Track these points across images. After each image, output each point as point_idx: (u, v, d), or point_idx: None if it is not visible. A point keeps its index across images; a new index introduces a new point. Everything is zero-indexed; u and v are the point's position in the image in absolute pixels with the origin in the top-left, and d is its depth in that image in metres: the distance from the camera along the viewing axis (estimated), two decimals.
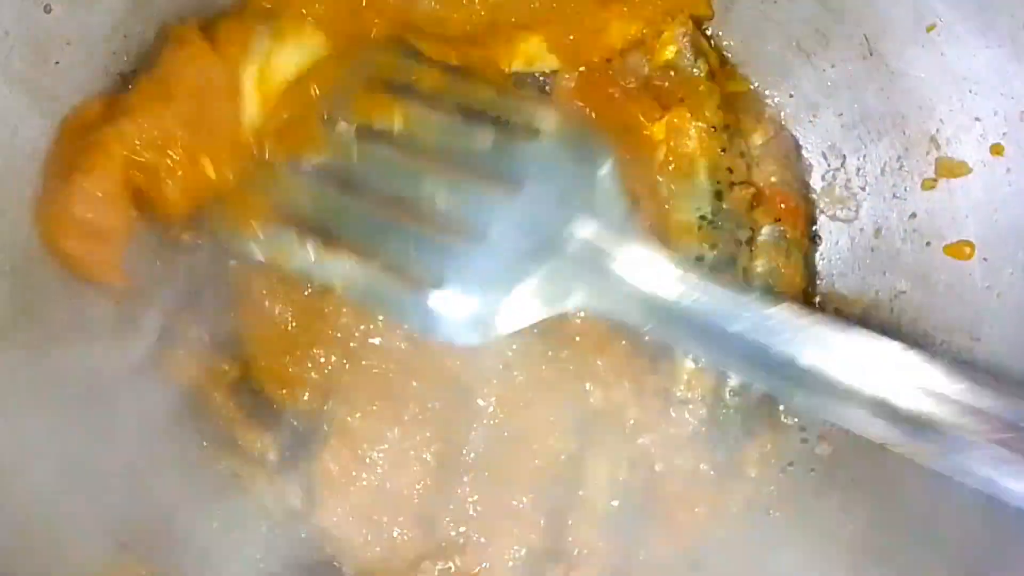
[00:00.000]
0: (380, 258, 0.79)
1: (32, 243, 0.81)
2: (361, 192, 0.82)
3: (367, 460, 0.86)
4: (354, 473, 0.86)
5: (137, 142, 0.81)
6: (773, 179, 0.94)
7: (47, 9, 0.80)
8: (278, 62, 0.86)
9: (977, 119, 0.83)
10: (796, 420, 0.93)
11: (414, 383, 0.87)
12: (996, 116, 0.83)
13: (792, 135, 0.96)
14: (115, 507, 0.81)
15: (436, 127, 0.83)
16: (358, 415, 0.87)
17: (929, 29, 0.84)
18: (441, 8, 0.91)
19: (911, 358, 0.70)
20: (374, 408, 0.87)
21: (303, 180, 0.83)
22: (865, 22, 0.89)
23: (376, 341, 0.87)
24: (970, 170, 0.85)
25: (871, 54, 0.89)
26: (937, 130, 0.86)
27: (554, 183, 0.79)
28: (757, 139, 0.95)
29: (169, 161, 0.82)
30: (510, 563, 0.84)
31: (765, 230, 0.93)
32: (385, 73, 0.86)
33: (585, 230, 0.77)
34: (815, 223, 0.96)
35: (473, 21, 0.91)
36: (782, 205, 0.94)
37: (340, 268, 0.80)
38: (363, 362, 0.87)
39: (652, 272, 0.75)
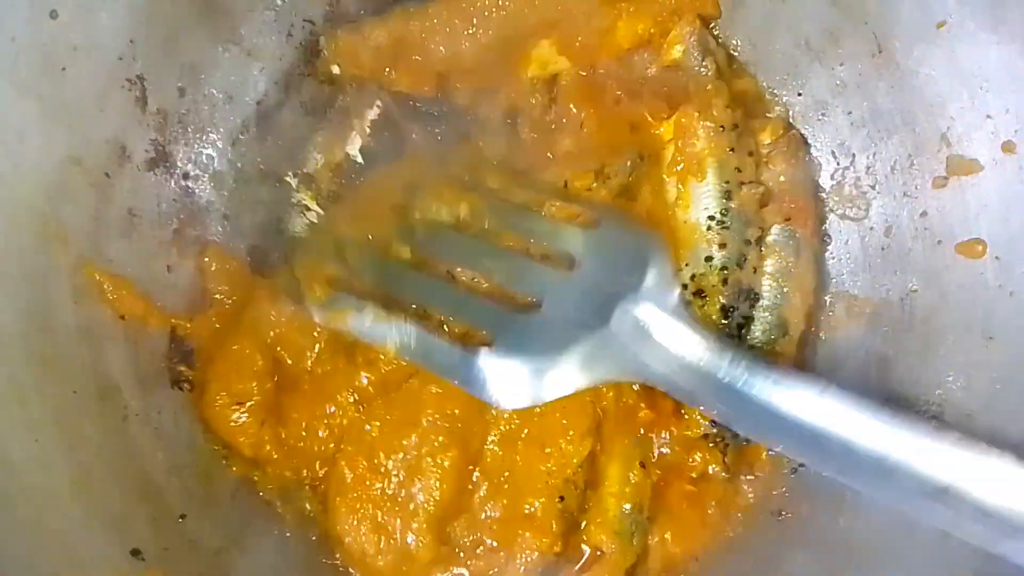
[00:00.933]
0: (434, 320, 0.86)
1: (40, 249, 0.81)
2: (422, 263, 0.89)
3: (382, 468, 0.86)
4: (368, 481, 0.86)
5: (284, 320, 0.91)
6: (782, 178, 0.94)
7: (53, 15, 0.79)
8: None
9: (988, 116, 0.83)
10: None
11: (433, 388, 0.87)
12: (1008, 113, 0.82)
13: (801, 134, 0.96)
14: (128, 514, 0.81)
15: (500, 213, 0.89)
16: (376, 423, 0.87)
17: (939, 26, 0.84)
18: (450, 45, 0.94)
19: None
20: (390, 416, 0.87)
21: (368, 250, 0.91)
22: (874, 20, 0.88)
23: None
24: (981, 168, 0.84)
25: (880, 52, 0.89)
26: (948, 128, 0.86)
27: (608, 265, 0.83)
28: (766, 138, 0.95)
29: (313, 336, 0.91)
30: (523, 568, 0.84)
31: (775, 229, 0.92)
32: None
33: (633, 307, 0.80)
34: (825, 222, 0.96)
35: (483, 44, 0.93)
36: (791, 204, 0.93)
37: (395, 330, 0.86)
38: (382, 370, 0.88)
39: (690, 347, 0.79)
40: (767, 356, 0.81)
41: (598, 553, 0.87)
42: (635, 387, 0.88)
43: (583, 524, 0.87)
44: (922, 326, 0.88)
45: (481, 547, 0.85)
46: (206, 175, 0.95)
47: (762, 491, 0.92)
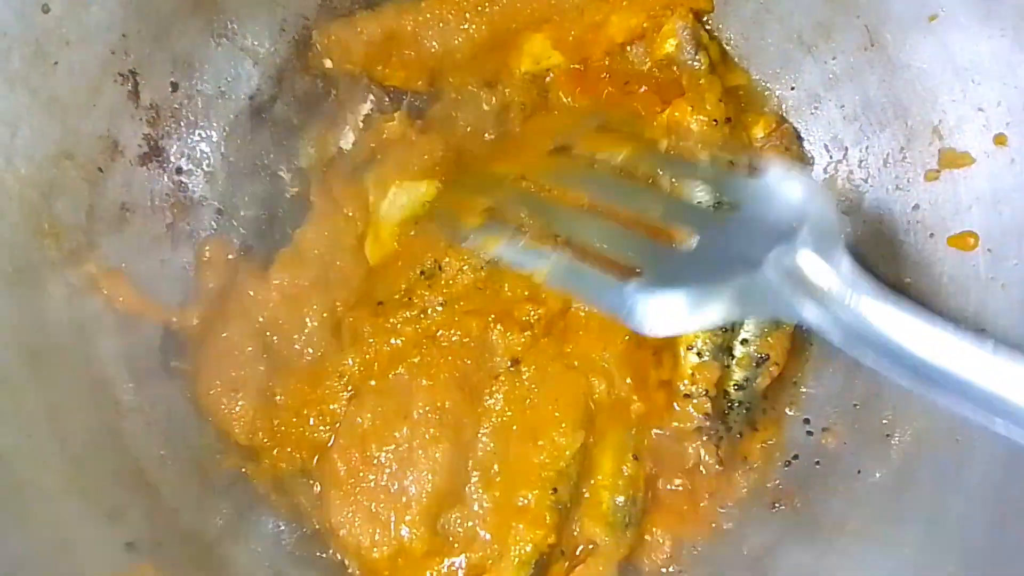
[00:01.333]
0: (588, 252, 0.83)
1: (33, 243, 0.81)
2: (576, 199, 0.87)
3: (375, 460, 0.85)
4: (362, 473, 0.85)
5: (273, 304, 0.91)
6: None
7: (45, 9, 0.79)
8: (390, 210, 0.94)
9: (980, 109, 0.83)
10: (800, 412, 0.93)
11: (424, 381, 0.86)
12: (999, 106, 0.82)
13: (794, 127, 0.96)
14: (121, 507, 0.81)
15: (659, 160, 0.89)
16: (368, 415, 0.86)
17: (931, 19, 0.84)
18: (442, 40, 0.95)
19: None
20: (381, 408, 0.87)
21: (523, 184, 0.89)
22: (866, 13, 0.88)
23: (389, 344, 0.88)
24: (973, 160, 0.84)
25: (872, 45, 0.89)
26: (940, 121, 0.86)
27: (767, 212, 0.80)
28: (758, 132, 0.95)
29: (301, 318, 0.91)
30: (516, 559, 0.84)
31: None
32: None
33: (789, 254, 0.76)
34: None
35: (475, 39, 0.94)
36: None
37: (547, 256, 0.84)
38: (375, 365, 0.88)
39: (843, 299, 0.74)
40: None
41: (591, 546, 0.87)
42: (628, 380, 0.88)
43: (576, 516, 0.87)
44: None
45: (475, 539, 0.85)
46: (199, 169, 0.96)
47: (756, 483, 0.92)
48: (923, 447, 0.84)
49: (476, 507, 0.86)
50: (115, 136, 0.88)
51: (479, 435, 0.86)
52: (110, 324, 0.87)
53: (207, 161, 0.96)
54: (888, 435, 0.87)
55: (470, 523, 0.86)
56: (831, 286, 0.74)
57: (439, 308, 0.88)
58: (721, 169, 0.89)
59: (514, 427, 0.86)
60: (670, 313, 0.78)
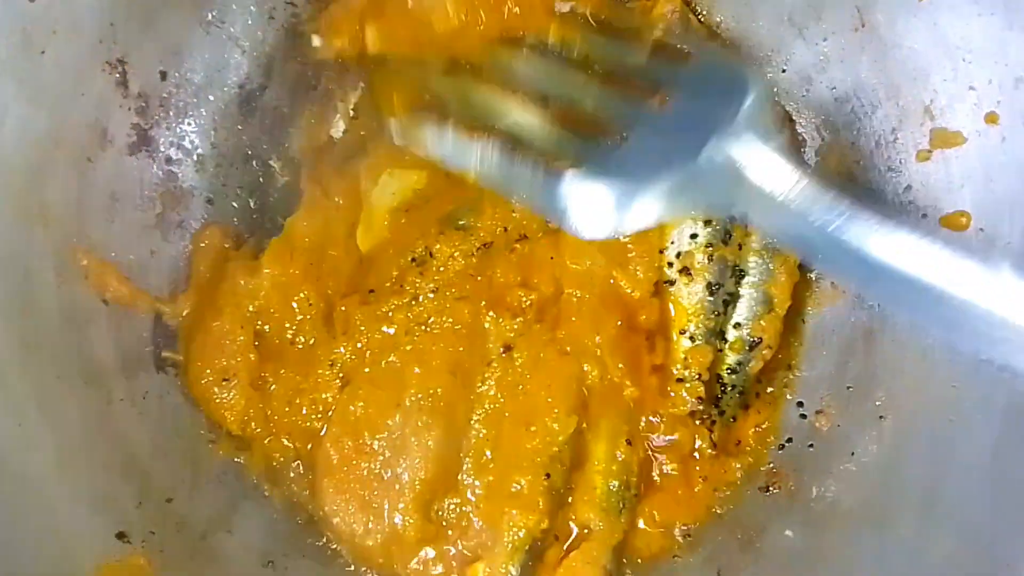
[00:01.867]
0: (520, 145, 0.81)
1: (22, 231, 0.81)
2: (510, 87, 0.85)
3: (368, 448, 0.85)
4: (355, 461, 0.85)
5: (264, 294, 0.90)
6: None
7: None
8: (381, 197, 0.93)
9: (972, 88, 0.83)
10: (793, 395, 0.93)
11: (416, 369, 0.86)
12: (990, 84, 0.82)
13: (785, 110, 0.96)
14: (113, 497, 0.81)
15: (593, 43, 0.86)
16: (360, 404, 0.86)
17: None
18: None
19: None
20: (373, 396, 0.86)
21: (450, 71, 0.88)
22: None
23: (381, 332, 0.88)
24: (965, 140, 0.84)
25: (863, 26, 0.89)
26: (931, 100, 0.85)
27: (702, 99, 0.78)
28: None
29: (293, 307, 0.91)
30: (510, 545, 0.84)
31: None
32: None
33: (726, 142, 0.74)
34: None
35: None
36: None
37: (477, 151, 0.81)
38: (367, 353, 0.87)
39: (783, 187, 0.72)
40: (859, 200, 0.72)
41: (585, 531, 0.86)
42: (620, 365, 0.87)
43: (570, 501, 0.87)
44: None
45: (469, 525, 0.85)
46: (189, 159, 0.95)
47: (749, 467, 0.92)
48: (917, 427, 0.84)
49: (469, 494, 0.86)
50: (104, 125, 0.88)
51: (471, 422, 0.86)
52: (100, 314, 0.87)
53: (197, 150, 0.96)
54: (882, 416, 0.86)
55: (464, 509, 0.85)
56: (765, 177, 0.72)
57: (431, 295, 0.88)
58: (662, 56, 0.84)
59: (507, 413, 0.86)
60: (603, 213, 0.77)
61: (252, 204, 0.98)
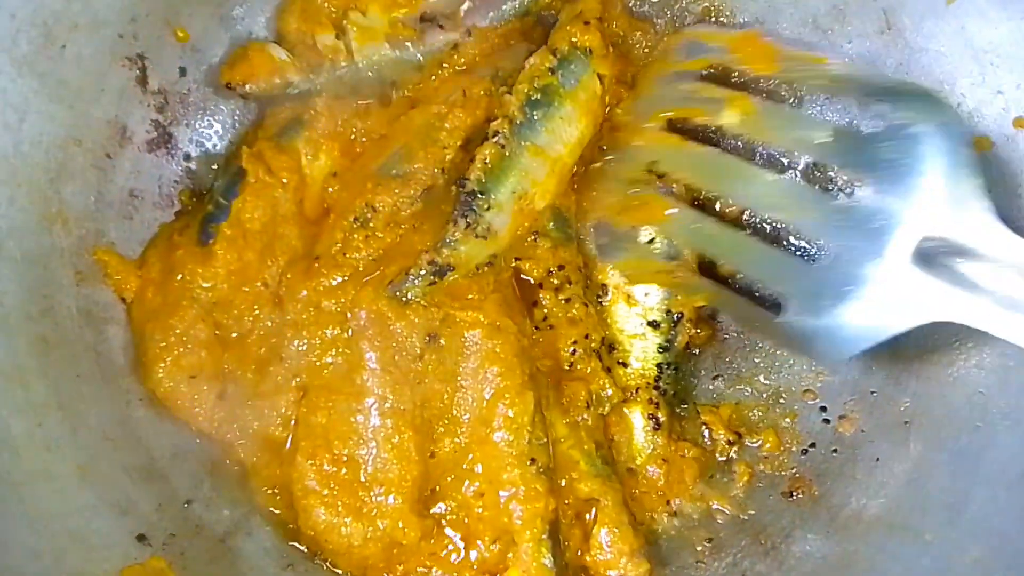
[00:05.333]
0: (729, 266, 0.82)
1: (42, 230, 0.80)
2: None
3: (344, 457, 0.84)
4: (335, 471, 0.84)
5: (220, 283, 0.87)
6: None
7: None
8: (318, 170, 0.92)
9: (999, 92, 0.82)
10: (816, 400, 0.92)
11: (364, 375, 0.84)
12: (1019, 89, 0.82)
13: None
14: (133, 499, 0.80)
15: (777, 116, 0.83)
16: (321, 414, 0.84)
17: (949, 2, 0.83)
18: None
19: None
20: (333, 405, 0.84)
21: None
22: None
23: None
24: (992, 144, 0.84)
25: (889, 29, 0.88)
26: (959, 105, 0.85)
27: (892, 174, 0.73)
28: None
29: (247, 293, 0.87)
30: (532, 542, 0.82)
31: None
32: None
33: (936, 227, 0.71)
34: None
35: None
36: None
37: (701, 287, 0.84)
38: (316, 363, 0.85)
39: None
40: None
41: (594, 510, 0.85)
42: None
43: (563, 480, 0.87)
44: None
45: (473, 534, 0.85)
46: (207, 155, 0.94)
47: (772, 472, 0.91)
48: (943, 433, 0.84)
49: (462, 497, 0.85)
50: (123, 121, 0.87)
51: (436, 432, 0.85)
52: (119, 313, 0.86)
53: (215, 147, 0.94)
54: (907, 422, 0.86)
55: (464, 519, 0.85)
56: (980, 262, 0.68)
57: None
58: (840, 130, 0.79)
59: (464, 416, 0.85)
60: (825, 339, 0.75)
61: None
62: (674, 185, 0.86)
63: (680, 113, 0.87)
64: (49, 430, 0.77)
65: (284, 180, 0.89)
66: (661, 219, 0.85)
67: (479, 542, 0.84)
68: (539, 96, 0.88)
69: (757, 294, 0.80)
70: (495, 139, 0.86)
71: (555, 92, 0.89)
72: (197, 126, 0.94)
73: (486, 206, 0.86)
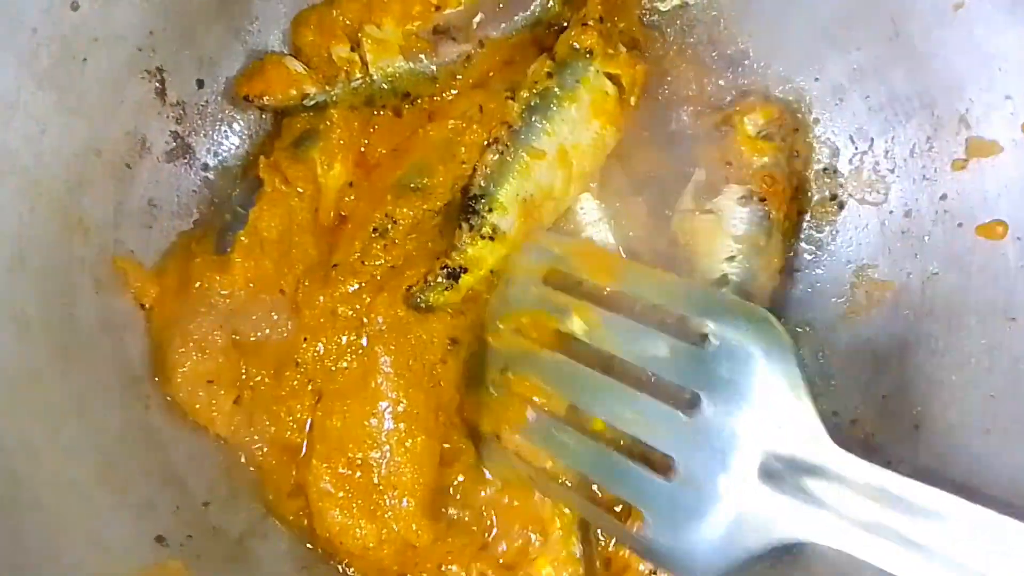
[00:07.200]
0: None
1: (62, 240, 0.82)
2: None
3: (359, 460, 0.85)
4: (350, 474, 0.85)
5: (237, 290, 0.88)
6: (765, 159, 0.94)
7: (74, 6, 0.80)
8: (333, 180, 0.93)
9: (1008, 97, 0.82)
10: (827, 405, 0.92)
11: (379, 379, 0.86)
12: None
13: (791, 118, 0.95)
14: (151, 501, 0.81)
15: (619, 329, 0.83)
16: (336, 418, 0.86)
17: (957, 8, 0.83)
18: None
19: None
20: (349, 409, 0.86)
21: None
22: (890, 3, 0.88)
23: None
24: (1001, 149, 0.84)
25: (897, 35, 0.89)
26: (967, 110, 0.85)
27: (730, 393, 0.76)
28: (759, 119, 0.94)
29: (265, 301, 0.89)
30: (560, 532, 0.85)
31: (747, 210, 0.92)
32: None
33: (777, 445, 0.74)
34: (806, 210, 0.97)
35: None
36: (768, 186, 0.93)
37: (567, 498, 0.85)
38: (331, 368, 0.87)
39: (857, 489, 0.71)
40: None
41: None
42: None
43: None
44: (943, 310, 0.87)
45: (494, 524, 0.87)
46: (225, 166, 0.96)
47: None
48: (953, 438, 0.83)
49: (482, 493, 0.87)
50: (142, 133, 0.89)
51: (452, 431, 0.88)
52: (138, 320, 0.87)
53: (233, 157, 0.96)
54: (917, 426, 0.86)
55: (483, 511, 0.87)
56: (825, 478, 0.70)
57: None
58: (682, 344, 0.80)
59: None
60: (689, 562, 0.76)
61: None
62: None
63: (532, 317, 0.87)
64: (68, 435, 0.78)
65: (300, 190, 0.91)
66: (522, 423, 0.85)
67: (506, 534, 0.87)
68: (537, 101, 0.89)
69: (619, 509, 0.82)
70: (495, 146, 0.88)
71: (553, 95, 0.89)
72: (215, 137, 0.96)
73: (488, 208, 0.87)
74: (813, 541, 0.72)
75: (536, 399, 0.85)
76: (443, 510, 0.87)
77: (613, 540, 0.89)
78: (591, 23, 0.91)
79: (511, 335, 0.87)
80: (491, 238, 0.86)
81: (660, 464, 0.79)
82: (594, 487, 0.84)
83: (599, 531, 0.89)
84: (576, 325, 0.84)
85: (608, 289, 0.85)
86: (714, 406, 0.76)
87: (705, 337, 0.78)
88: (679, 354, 0.79)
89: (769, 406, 0.74)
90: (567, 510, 0.86)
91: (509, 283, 0.89)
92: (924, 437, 0.86)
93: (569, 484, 0.84)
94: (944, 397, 0.85)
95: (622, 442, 0.82)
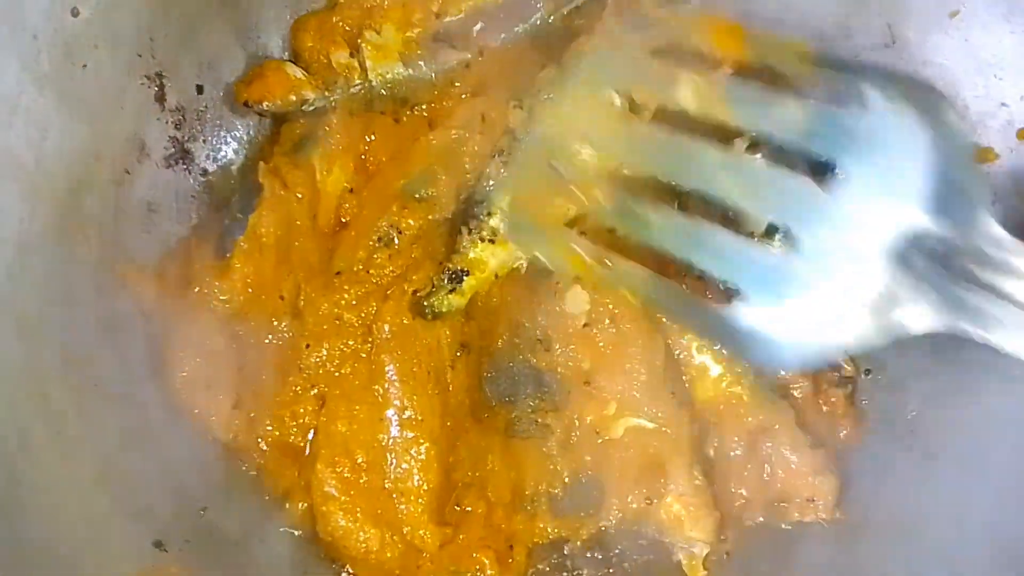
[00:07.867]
0: (676, 265, 0.73)
1: (62, 243, 0.82)
2: (656, 191, 0.75)
3: (364, 464, 0.86)
4: (355, 478, 0.85)
5: (237, 295, 0.88)
6: None
7: (75, 13, 0.80)
8: (333, 185, 0.94)
9: (1003, 104, 0.83)
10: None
11: (385, 385, 0.86)
12: (1022, 101, 0.82)
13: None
14: (150, 506, 0.81)
15: (737, 97, 0.73)
16: (342, 422, 0.86)
17: (952, 15, 0.84)
18: None
19: None
20: (355, 414, 0.86)
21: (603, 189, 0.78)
22: (887, 10, 0.89)
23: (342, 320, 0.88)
24: (997, 156, 0.84)
25: (894, 42, 0.89)
26: (963, 117, 0.86)
27: (877, 165, 0.65)
28: None
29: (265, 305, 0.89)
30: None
31: None
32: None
33: (921, 223, 0.64)
34: None
35: None
36: None
37: (634, 277, 0.75)
38: (335, 373, 0.88)
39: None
40: None
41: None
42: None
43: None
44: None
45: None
46: (224, 171, 0.97)
47: None
48: (949, 439, 0.84)
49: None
50: (142, 137, 0.89)
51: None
52: (137, 324, 0.88)
53: (232, 163, 0.97)
54: (913, 429, 0.87)
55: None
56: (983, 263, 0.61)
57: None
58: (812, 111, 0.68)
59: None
60: (791, 340, 0.67)
61: None
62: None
63: (627, 89, 0.77)
64: (68, 437, 0.78)
65: (299, 195, 0.91)
66: (592, 202, 0.78)
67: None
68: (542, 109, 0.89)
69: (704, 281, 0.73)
70: (499, 157, 0.88)
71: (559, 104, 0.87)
72: (214, 142, 0.96)
73: (486, 211, 0.87)
74: (954, 332, 0.64)
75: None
76: (448, 515, 0.87)
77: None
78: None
79: (591, 109, 0.78)
80: (491, 240, 0.87)
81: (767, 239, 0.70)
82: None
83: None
84: (685, 97, 0.74)
85: (731, 58, 0.76)
86: (858, 177, 0.66)
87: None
88: (819, 118, 0.69)
89: (929, 184, 0.64)
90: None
91: (598, 57, 0.79)
92: (920, 437, 0.87)
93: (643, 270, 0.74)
94: (941, 398, 0.86)
95: (721, 215, 0.72)
